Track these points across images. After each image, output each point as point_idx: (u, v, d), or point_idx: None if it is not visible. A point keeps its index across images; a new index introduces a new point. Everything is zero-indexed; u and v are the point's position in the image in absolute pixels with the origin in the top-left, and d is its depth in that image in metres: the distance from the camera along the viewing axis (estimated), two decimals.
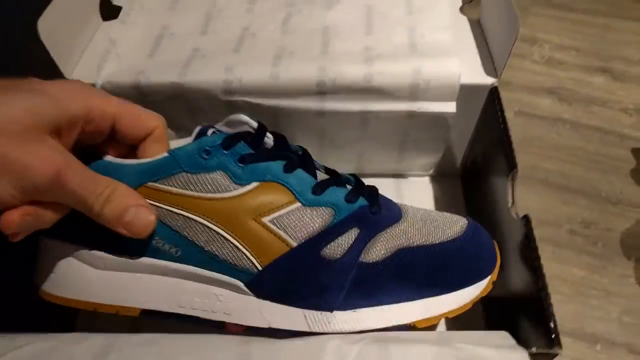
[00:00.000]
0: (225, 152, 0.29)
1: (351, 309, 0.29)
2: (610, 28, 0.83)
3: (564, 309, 0.99)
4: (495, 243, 0.33)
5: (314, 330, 0.29)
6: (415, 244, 0.30)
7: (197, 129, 0.30)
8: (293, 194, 0.29)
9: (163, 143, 0.30)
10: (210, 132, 0.30)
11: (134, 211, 0.26)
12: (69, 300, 0.29)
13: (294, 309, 0.29)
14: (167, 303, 0.29)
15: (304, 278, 0.28)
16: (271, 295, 0.29)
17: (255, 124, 0.31)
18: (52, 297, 0.29)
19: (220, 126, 0.31)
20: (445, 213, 0.33)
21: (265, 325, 0.29)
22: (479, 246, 0.32)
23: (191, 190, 0.28)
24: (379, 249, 0.29)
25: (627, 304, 1.13)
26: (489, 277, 0.31)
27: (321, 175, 0.31)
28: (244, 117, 0.31)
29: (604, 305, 1.17)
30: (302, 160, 0.31)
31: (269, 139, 0.31)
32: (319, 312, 0.29)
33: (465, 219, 0.33)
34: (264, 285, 0.29)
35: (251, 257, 0.28)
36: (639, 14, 0.84)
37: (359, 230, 0.29)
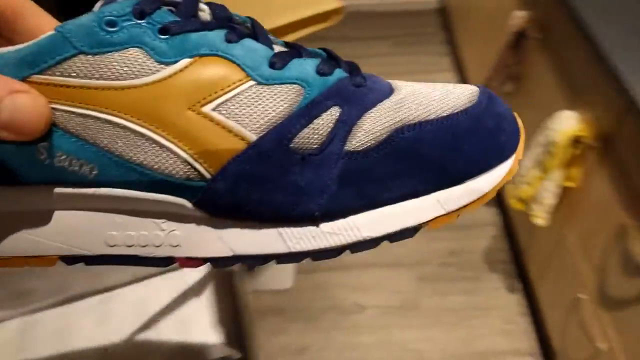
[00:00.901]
0: (139, 21, 0.20)
1: (341, 217, 0.21)
2: None
3: (452, 337, 1.00)
4: (516, 115, 0.25)
5: (294, 251, 0.21)
6: (416, 119, 0.22)
7: None
8: (242, 69, 0.21)
9: (41, 16, 0.22)
10: None
11: (10, 101, 0.18)
12: None
13: (264, 227, 0.21)
14: (91, 244, 0.21)
15: (272, 182, 0.21)
16: (230, 212, 0.21)
17: None
18: None
19: None
20: (448, 83, 0.24)
21: (229, 254, 0.21)
22: (498, 117, 0.23)
23: (95, 79, 0.20)
24: (369, 131, 0.21)
25: (505, 314, 1.20)
26: (513, 156, 0.24)
27: (279, 49, 0.22)
28: None
29: (486, 322, 1.23)
30: (251, 32, 0.22)
31: (204, 12, 0.23)
32: (298, 227, 0.21)
33: (475, 87, 0.24)
34: (219, 200, 0.21)
35: (194, 163, 0.20)
36: None
37: (340, 109, 0.21)
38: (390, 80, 0.24)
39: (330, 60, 0.23)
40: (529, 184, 1.03)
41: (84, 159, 0.20)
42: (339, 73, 0.22)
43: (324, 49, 0.24)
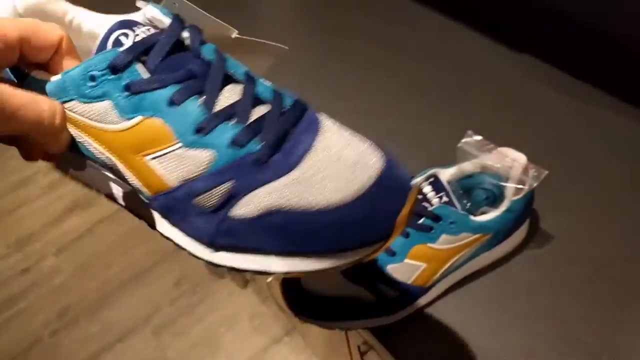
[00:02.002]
0: (111, 77, 0.27)
1: (223, 250, 0.29)
2: None
3: None
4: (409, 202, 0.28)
5: (202, 258, 0.30)
6: (290, 208, 0.27)
7: (107, 30, 0.29)
8: (173, 133, 0.28)
9: (74, 55, 0.30)
10: (116, 35, 0.28)
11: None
12: None
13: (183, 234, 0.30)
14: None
15: (180, 216, 0.29)
16: (163, 217, 0.30)
17: (167, 21, 0.29)
18: None
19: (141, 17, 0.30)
20: (365, 148, 0.28)
21: (163, 230, 0.31)
22: (375, 211, 0.27)
23: (87, 118, 0.29)
24: (249, 206, 0.27)
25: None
26: (367, 249, 0.28)
27: (226, 100, 0.28)
28: (155, 11, 0.29)
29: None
30: (207, 79, 0.28)
31: (185, 38, 0.29)
32: (202, 246, 0.30)
33: (379, 165, 0.28)
34: (156, 209, 0.30)
35: (141, 188, 0.30)
36: None
37: (234, 184, 0.27)
38: (317, 137, 0.28)
39: (256, 127, 0.28)
40: None
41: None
42: (251, 146, 0.27)
43: (295, 100, 0.30)
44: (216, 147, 0.27)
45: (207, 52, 0.30)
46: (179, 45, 0.29)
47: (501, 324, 0.49)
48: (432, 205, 0.46)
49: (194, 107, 0.28)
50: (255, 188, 0.27)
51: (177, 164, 0.28)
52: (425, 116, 0.68)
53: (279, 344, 1.34)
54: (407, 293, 0.47)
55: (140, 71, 0.28)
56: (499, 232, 0.48)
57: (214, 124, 0.27)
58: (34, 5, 0.31)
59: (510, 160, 0.48)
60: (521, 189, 0.47)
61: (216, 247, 0.29)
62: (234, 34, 0.34)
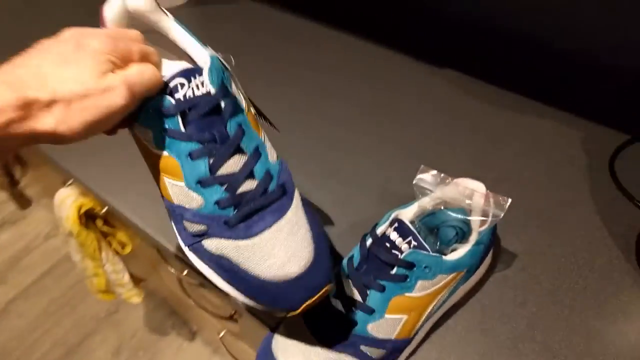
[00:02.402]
0: (159, 117, 0.37)
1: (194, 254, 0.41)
2: None
3: None
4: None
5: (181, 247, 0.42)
6: (236, 262, 0.38)
7: (170, 75, 0.37)
8: (182, 175, 0.38)
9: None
10: (176, 82, 0.37)
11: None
12: None
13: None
14: None
15: (175, 220, 0.41)
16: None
17: (213, 90, 0.38)
18: None
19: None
20: (303, 245, 0.39)
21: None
22: (289, 293, 0.38)
23: (144, 137, 0.39)
24: (212, 245, 0.39)
25: None
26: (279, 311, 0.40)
27: (227, 169, 0.38)
28: (206, 79, 0.37)
29: None
30: (222, 148, 0.38)
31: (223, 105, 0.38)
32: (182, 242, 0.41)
33: (306, 263, 0.39)
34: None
35: (160, 190, 0.41)
36: None
37: (207, 227, 0.38)
38: (277, 222, 0.39)
39: (238, 200, 0.38)
40: (96, 275, 0.97)
41: None
42: (228, 211, 0.38)
43: (279, 186, 0.40)
44: (205, 199, 0.38)
45: (232, 125, 0.38)
46: (214, 108, 0.38)
47: (487, 356, 0.47)
48: (402, 252, 0.44)
49: (202, 166, 0.37)
50: (220, 237, 0.38)
51: (179, 193, 0.39)
52: (375, 153, 0.67)
53: None
54: (393, 349, 0.45)
55: (179, 122, 0.37)
56: (472, 266, 0.47)
57: (210, 183, 0.38)
58: (141, 9, 0.39)
59: (469, 191, 0.47)
60: (486, 220, 0.46)
61: (189, 249, 0.41)
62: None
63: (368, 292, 0.44)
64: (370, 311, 0.44)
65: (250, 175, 0.38)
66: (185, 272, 0.73)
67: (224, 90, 0.37)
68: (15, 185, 1.31)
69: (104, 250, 0.94)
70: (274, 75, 0.80)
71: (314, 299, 0.38)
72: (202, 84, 0.37)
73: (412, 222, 0.47)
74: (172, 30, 0.41)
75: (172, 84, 0.36)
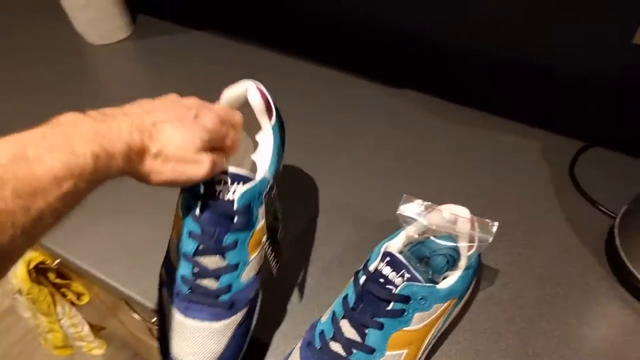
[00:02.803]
0: (190, 192, 0.43)
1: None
2: None
3: None
4: None
5: None
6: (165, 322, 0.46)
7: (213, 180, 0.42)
8: (181, 240, 0.44)
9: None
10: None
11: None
12: None
13: None
14: None
15: None
16: None
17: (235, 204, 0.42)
18: None
19: None
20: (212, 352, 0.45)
21: None
22: None
23: (180, 197, 0.45)
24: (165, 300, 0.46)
25: None
26: None
27: (204, 260, 0.43)
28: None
29: None
30: (210, 244, 0.43)
31: None
32: None
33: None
34: None
35: None
36: None
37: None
38: (216, 323, 0.45)
39: (192, 283, 0.43)
40: (52, 331, 0.93)
41: None
42: (183, 287, 0.44)
43: None
44: (180, 267, 0.45)
45: (230, 237, 0.43)
46: (228, 215, 0.42)
47: None
48: (396, 286, 0.43)
49: (191, 245, 0.43)
50: (170, 299, 0.46)
51: (174, 250, 0.46)
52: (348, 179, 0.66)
53: None
54: None
55: (199, 205, 0.42)
56: (464, 291, 0.47)
57: (187, 260, 0.44)
58: (255, 107, 0.47)
59: (454, 217, 0.47)
60: (472, 244, 0.46)
61: None
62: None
63: (366, 331, 0.43)
64: (371, 351, 0.43)
65: (216, 278, 0.44)
66: (153, 320, 0.69)
67: (245, 209, 0.42)
68: None
69: (58, 304, 0.87)
70: None
71: None
72: (234, 192, 0.42)
73: (400, 252, 0.47)
74: (264, 132, 0.48)
75: (218, 177, 0.42)
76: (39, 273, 0.83)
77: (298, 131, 0.73)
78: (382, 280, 0.44)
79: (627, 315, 0.51)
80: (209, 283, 0.44)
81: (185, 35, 0.95)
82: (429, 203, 0.48)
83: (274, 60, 0.87)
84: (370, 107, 0.77)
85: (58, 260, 0.82)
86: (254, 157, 0.48)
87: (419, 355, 0.45)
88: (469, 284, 0.48)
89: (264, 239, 0.45)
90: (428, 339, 0.45)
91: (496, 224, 0.45)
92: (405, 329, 0.43)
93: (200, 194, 0.42)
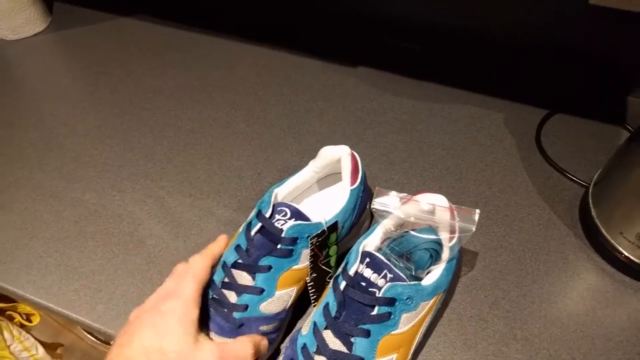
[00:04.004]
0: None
1: None
2: None
3: None
4: None
5: None
6: None
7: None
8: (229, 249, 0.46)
9: None
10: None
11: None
12: None
13: None
14: None
15: None
16: None
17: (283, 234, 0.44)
18: None
19: None
20: None
21: None
22: None
23: None
24: None
25: None
26: None
27: (235, 274, 0.44)
28: None
29: None
30: (247, 261, 0.44)
31: None
32: None
33: None
34: None
35: None
36: None
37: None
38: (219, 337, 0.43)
39: (214, 290, 0.44)
40: (3, 358, 0.85)
41: None
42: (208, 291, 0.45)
43: None
44: (216, 271, 0.46)
45: (267, 260, 0.44)
46: (273, 240, 0.44)
47: None
48: (380, 289, 0.40)
49: (233, 256, 0.45)
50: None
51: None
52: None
53: None
54: None
55: (255, 221, 0.45)
56: (449, 283, 0.45)
57: (223, 268, 0.45)
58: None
59: (431, 207, 0.44)
60: (454, 235, 0.44)
61: None
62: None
63: (352, 340, 0.40)
64: None
65: (238, 293, 0.44)
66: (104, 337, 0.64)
67: (290, 242, 0.43)
68: None
69: (5, 330, 0.79)
70: (157, 86, 0.72)
71: None
72: (286, 223, 0.44)
73: (379, 250, 0.44)
74: (343, 190, 0.49)
75: (280, 208, 0.45)
76: None
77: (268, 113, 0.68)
78: (363, 283, 0.41)
79: (608, 285, 0.51)
80: (231, 296, 0.44)
81: (109, 22, 0.86)
82: (404, 194, 0.45)
83: (197, 40, 0.80)
84: (310, 81, 0.72)
85: None
86: (325, 205, 0.53)
87: (409, 357, 0.43)
88: (454, 275, 0.45)
89: (307, 280, 0.45)
90: (417, 339, 0.43)
91: (477, 211, 0.43)
92: (393, 332, 0.40)
93: (255, 214, 0.45)
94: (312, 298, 0.46)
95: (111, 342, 0.63)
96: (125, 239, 0.57)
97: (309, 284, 0.45)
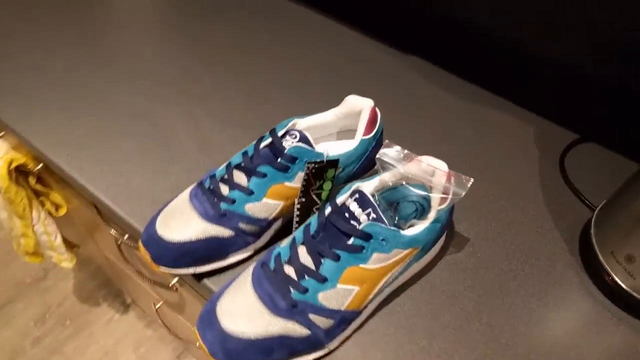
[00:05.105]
0: None
1: None
2: None
3: None
4: None
5: None
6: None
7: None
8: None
9: None
10: None
11: None
12: None
13: None
14: None
15: None
16: None
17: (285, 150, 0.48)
18: None
19: None
20: None
21: None
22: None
23: None
24: None
25: None
26: None
27: (235, 173, 0.48)
28: None
29: None
30: (246, 164, 0.49)
31: None
32: None
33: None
34: None
35: None
36: None
37: None
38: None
39: (211, 181, 0.49)
40: (24, 236, 0.92)
41: None
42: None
43: None
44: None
45: (262, 169, 0.48)
46: (274, 152, 0.48)
47: (433, 335, 0.48)
48: (360, 223, 0.43)
49: (239, 158, 0.50)
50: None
51: None
52: None
53: None
54: (342, 319, 0.44)
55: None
56: (427, 243, 0.47)
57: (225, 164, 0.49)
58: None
59: (432, 169, 0.46)
60: (446, 197, 0.46)
61: None
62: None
63: (322, 260, 0.43)
64: (323, 280, 0.42)
65: (231, 189, 0.48)
66: (126, 236, 0.69)
67: (289, 159, 0.47)
68: None
69: (34, 209, 0.87)
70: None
71: None
72: (294, 142, 0.48)
73: (372, 196, 0.47)
74: (356, 138, 0.53)
75: (292, 131, 0.49)
76: (19, 175, 0.83)
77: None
78: (347, 214, 0.44)
79: (588, 304, 0.51)
80: (224, 189, 0.48)
81: None
82: (409, 152, 0.47)
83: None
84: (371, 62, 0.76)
85: (40, 165, 0.82)
86: (334, 147, 0.56)
87: (370, 297, 0.45)
88: (434, 238, 0.47)
89: (296, 200, 0.48)
90: (382, 283, 0.45)
91: (471, 179, 0.45)
92: (361, 265, 0.43)
93: (275, 135, 0.48)
94: (295, 221, 0.49)
95: (125, 241, 0.70)
96: (157, 141, 0.62)
97: (296, 205, 0.48)
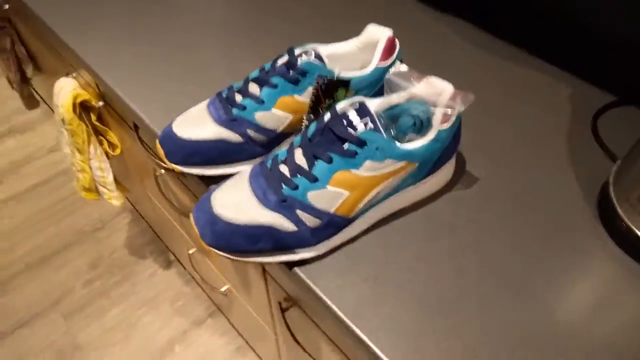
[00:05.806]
0: None
1: None
2: None
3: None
4: None
5: None
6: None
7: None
8: None
9: None
10: None
11: None
12: None
13: None
14: None
15: None
16: None
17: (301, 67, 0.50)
18: None
19: None
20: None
21: None
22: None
23: None
24: None
25: (172, 293, 1.65)
26: None
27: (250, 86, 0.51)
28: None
29: (157, 312, 1.44)
30: (266, 73, 0.51)
31: None
32: None
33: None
34: None
35: None
36: None
37: None
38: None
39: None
40: (83, 171, 0.97)
41: None
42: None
43: None
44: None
45: (274, 80, 0.51)
46: (289, 65, 0.51)
47: (425, 260, 0.47)
48: (356, 130, 0.44)
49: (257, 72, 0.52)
50: None
51: None
52: None
53: (202, 326, 1.28)
54: (330, 222, 0.45)
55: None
56: (424, 163, 0.47)
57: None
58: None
59: (438, 89, 0.47)
60: (448, 117, 0.46)
61: None
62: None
63: (316, 162, 0.44)
64: (314, 179, 0.44)
65: (243, 97, 0.51)
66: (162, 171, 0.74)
67: (300, 72, 0.49)
68: (25, 82, 1.34)
69: (92, 144, 0.95)
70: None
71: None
72: (308, 60, 0.50)
73: (375, 112, 0.47)
74: (371, 65, 0.53)
75: (306, 49, 0.51)
76: (83, 111, 0.91)
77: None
78: (345, 121, 0.45)
79: (595, 248, 0.48)
80: (238, 97, 0.52)
81: None
82: (419, 73, 0.48)
83: None
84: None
85: (102, 103, 0.90)
86: (352, 66, 0.56)
87: (360, 205, 0.46)
88: (433, 158, 0.47)
89: (304, 116, 0.51)
90: (373, 193, 0.46)
91: (473, 97, 0.45)
92: (352, 171, 0.44)
93: (292, 53, 0.50)
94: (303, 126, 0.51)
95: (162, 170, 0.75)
96: (194, 68, 0.67)
97: (304, 122, 0.50)
